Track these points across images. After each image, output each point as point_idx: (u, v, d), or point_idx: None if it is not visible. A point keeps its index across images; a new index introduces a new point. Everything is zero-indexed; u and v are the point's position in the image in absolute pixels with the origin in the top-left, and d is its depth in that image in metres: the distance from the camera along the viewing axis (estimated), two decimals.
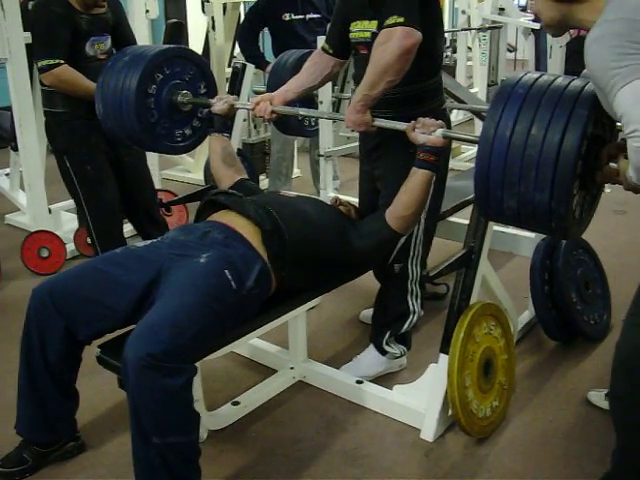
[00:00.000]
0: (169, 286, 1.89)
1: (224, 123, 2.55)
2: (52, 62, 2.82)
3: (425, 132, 2.03)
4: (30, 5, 3.01)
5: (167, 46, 2.74)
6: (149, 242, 2.12)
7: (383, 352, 2.59)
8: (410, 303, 2.53)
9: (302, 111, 2.57)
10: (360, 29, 2.30)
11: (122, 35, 3.12)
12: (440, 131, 2.02)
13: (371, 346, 2.63)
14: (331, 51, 2.46)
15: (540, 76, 1.68)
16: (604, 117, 1.65)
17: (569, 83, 1.63)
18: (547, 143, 1.55)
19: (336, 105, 4.11)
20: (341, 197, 2.60)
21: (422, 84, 2.29)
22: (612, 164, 1.63)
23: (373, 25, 2.22)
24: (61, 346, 1.98)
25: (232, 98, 2.54)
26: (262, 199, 2.26)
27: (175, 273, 1.92)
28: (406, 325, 2.55)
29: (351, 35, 2.35)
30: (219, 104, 2.50)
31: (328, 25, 2.59)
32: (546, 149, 1.55)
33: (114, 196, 3.09)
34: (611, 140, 1.76)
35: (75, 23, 2.86)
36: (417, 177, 2.09)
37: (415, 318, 2.57)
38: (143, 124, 2.54)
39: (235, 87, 2.95)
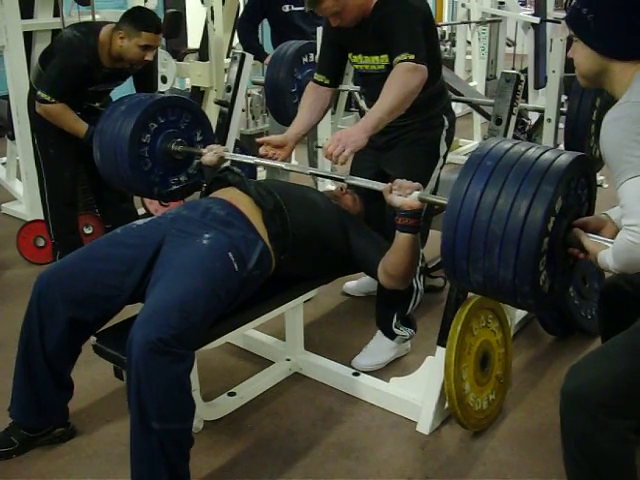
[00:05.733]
0: (173, 266, 1.88)
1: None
2: (48, 99, 2.91)
3: (401, 194, 1.97)
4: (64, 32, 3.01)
5: (162, 96, 2.77)
6: (149, 219, 2.13)
7: (392, 336, 2.62)
8: (413, 281, 2.55)
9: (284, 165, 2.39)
10: (370, 62, 2.39)
11: (140, 82, 3.20)
12: (416, 194, 1.95)
13: (379, 333, 2.66)
14: (327, 82, 2.52)
15: (512, 146, 1.61)
16: (579, 188, 1.61)
17: (540, 155, 1.55)
18: (511, 219, 1.49)
19: None
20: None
21: (427, 91, 2.29)
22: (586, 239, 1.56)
23: (384, 59, 2.33)
24: (61, 335, 1.97)
25: (222, 149, 2.52)
26: (269, 183, 2.26)
27: (177, 252, 1.92)
28: (411, 304, 2.59)
29: (358, 66, 2.46)
30: (209, 155, 2.47)
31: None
32: (510, 226, 1.49)
33: (73, 182, 3.21)
34: (589, 211, 1.69)
35: (92, 76, 2.93)
36: (399, 241, 2.04)
37: (419, 297, 2.60)
38: (136, 172, 2.54)
39: (222, 130, 2.93)
